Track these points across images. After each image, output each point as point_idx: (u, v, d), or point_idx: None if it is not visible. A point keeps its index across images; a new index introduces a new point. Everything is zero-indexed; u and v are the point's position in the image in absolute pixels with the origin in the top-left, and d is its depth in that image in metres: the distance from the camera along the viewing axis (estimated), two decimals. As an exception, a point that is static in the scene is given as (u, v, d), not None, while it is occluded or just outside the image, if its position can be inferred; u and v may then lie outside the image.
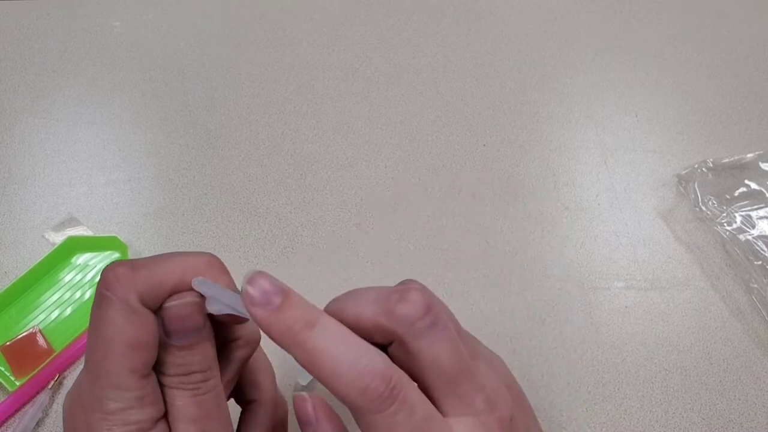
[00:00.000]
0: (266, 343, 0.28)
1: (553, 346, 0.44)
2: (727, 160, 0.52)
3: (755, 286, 0.46)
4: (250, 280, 0.23)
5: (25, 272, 0.44)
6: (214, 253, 0.27)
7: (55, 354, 0.41)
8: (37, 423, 0.40)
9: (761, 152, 0.52)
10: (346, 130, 0.55)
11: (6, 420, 0.39)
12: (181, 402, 0.25)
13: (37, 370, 0.40)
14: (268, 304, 0.23)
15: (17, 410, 0.40)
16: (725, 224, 0.48)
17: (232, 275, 0.27)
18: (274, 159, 0.53)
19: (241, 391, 0.30)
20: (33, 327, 0.43)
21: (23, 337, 0.42)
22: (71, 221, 0.48)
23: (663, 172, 0.53)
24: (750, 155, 0.52)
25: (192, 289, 0.25)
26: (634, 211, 0.51)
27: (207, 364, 0.26)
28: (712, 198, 0.50)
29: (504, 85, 0.58)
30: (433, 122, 0.55)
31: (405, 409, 0.22)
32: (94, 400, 0.23)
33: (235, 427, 0.29)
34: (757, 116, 0.57)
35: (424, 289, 0.26)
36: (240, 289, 0.23)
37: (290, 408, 0.41)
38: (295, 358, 0.23)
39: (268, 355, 0.32)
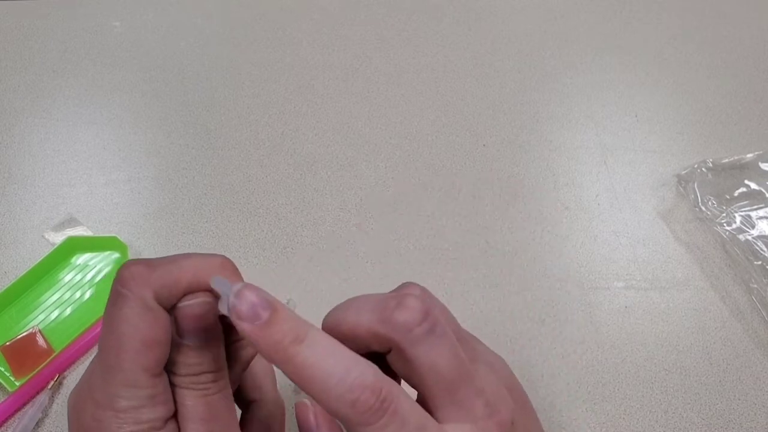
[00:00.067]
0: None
1: (553, 346, 0.44)
2: (726, 160, 0.52)
3: (755, 286, 0.46)
4: (238, 293, 0.23)
5: (25, 272, 0.44)
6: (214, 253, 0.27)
7: (54, 354, 0.41)
8: (37, 423, 0.40)
9: (761, 152, 0.52)
10: (346, 130, 0.55)
11: (6, 420, 0.39)
12: (191, 402, 0.25)
13: (36, 370, 0.40)
14: (256, 319, 0.22)
15: (17, 410, 0.40)
16: (725, 224, 0.48)
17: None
18: (274, 159, 0.53)
19: (242, 391, 0.30)
20: (33, 327, 0.43)
21: (23, 337, 0.42)
22: (71, 221, 0.48)
23: (663, 172, 0.53)
24: (750, 155, 0.52)
25: (205, 290, 0.25)
26: (633, 211, 0.51)
27: (217, 364, 0.26)
28: (712, 198, 0.50)
29: (504, 85, 0.58)
30: (433, 122, 0.55)
31: (396, 420, 0.22)
32: (106, 397, 0.23)
33: None
34: (757, 116, 0.57)
35: (423, 294, 0.25)
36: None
37: (290, 408, 0.41)
38: (285, 373, 0.23)
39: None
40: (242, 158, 0.52)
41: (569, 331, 0.44)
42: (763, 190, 0.51)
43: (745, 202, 0.50)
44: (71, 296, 0.44)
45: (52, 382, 0.40)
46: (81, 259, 0.46)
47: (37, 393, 0.40)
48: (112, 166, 0.52)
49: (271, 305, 0.23)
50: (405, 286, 0.26)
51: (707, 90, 0.58)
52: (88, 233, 0.47)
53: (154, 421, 0.24)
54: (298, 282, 0.46)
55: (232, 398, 0.27)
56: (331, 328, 0.26)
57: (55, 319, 0.43)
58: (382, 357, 0.25)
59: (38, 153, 0.52)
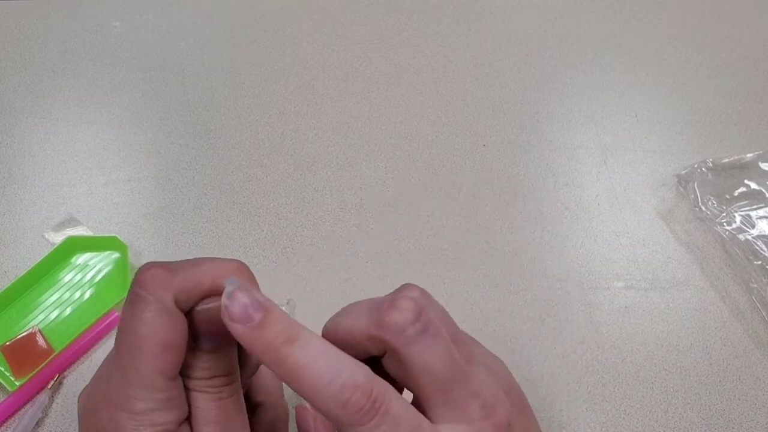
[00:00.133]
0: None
1: (553, 346, 0.44)
2: (726, 160, 0.52)
3: (755, 286, 0.46)
4: (230, 295, 0.23)
5: (25, 272, 0.44)
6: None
7: (54, 354, 0.41)
8: (37, 423, 0.40)
9: (761, 152, 0.52)
10: (346, 130, 0.55)
11: (6, 420, 0.39)
12: (205, 405, 0.25)
13: (36, 370, 0.40)
14: (248, 320, 0.22)
15: (17, 410, 0.40)
16: (725, 224, 0.48)
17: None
18: (274, 159, 0.52)
19: (249, 394, 0.30)
20: (33, 327, 0.43)
21: (23, 337, 0.42)
22: (71, 221, 0.48)
23: (663, 172, 0.53)
24: (750, 155, 0.52)
25: (221, 294, 0.25)
26: (633, 211, 0.51)
27: (231, 368, 0.26)
28: (712, 198, 0.50)
29: (504, 85, 0.58)
30: (433, 122, 0.55)
31: (387, 421, 0.22)
32: (122, 399, 0.23)
33: None
34: (757, 116, 0.57)
35: (420, 295, 0.25)
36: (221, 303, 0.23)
37: (290, 410, 0.41)
38: (277, 375, 0.23)
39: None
40: (242, 158, 0.52)
41: (569, 331, 0.44)
42: (763, 190, 0.51)
43: (745, 202, 0.50)
44: (71, 296, 0.44)
45: (52, 382, 0.41)
46: (81, 259, 0.46)
47: (37, 393, 0.40)
48: (112, 166, 0.52)
49: (263, 307, 0.23)
50: (404, 287, 0.26)
51: (707, 90, 0.58)
52: (88, 233, 0.47)
53: (168, 423, 0.24)
54: (298, 282, 0.46)
55: (244, 402, 0.27)
56: (329, 333, 0.26)
57: (55, 319, 0.43)
58: (378, 362, 0.25)
59: (38, 153, 0.52)
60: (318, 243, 0.48)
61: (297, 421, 0.26)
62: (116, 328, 0.43)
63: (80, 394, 0.25)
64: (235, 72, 0.58)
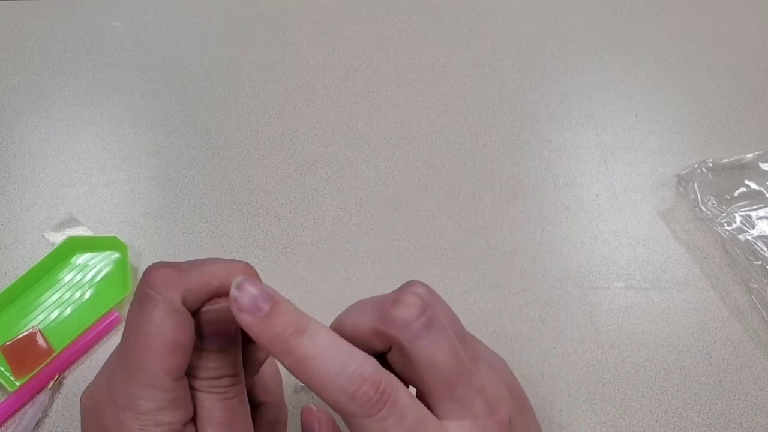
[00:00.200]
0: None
1: (553, 346, 0.44)
2: (726, 160, 0.52)
3: (755, 286, 0.46)
4: (238, 286, 0.23)
5: (25, 272, 0.44)
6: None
7: (54, 354, 0.41)
8: (37, 423, 0.40)
9: (761, 152, 0.52)
10: (346, 130, 0.55)
11: (6, 420, 0.39)
12: (210, 405, 0.25)
13: (36, 370, 0.40)
14: (257, 311, 0.23)
15: (17, 410, 0.40)
16: (725, 224, 0.48)
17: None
18: (274, 159, 0.53)
19: (251, 394, 0.30)
20: (33, 327, 0.43)
21: (23, 337, 0.42)
22: (71, 221, 0.48)
23: (663, 172, 0.53)
24: (750, 155, 0.52)
25: (228, 295, 0.25)
26: (633, 211, 0.51)
27: (236, 368, 0.26)
28: (712, 198, 0.50)
29: (504, 85, 0.58)
30: (433, 122, 0.55)
31: (395, 413, 0.22)
32: (127, 398, 0.23)
33: None
34: (757, 116, 0.57)
35: (426, 292, 0.25)
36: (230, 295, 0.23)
37: (290, 409, 0.41)
38: (285, 366, 0.23)
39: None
40: (242, 158, 0.52)
41: (569, 331, 0.44)
42: (763, 190, 0.51)
43: (745, 202, 0.50)
44: (71, 296, 0.44)
45: (52, 382, 0.41)
46: (81, 259, 0.46)
47: (37, 393, 0.40)
48: (112, 166, 0.52)
49: (272, 298, 0.23)
50: (409, 283, 0.26)
51: (707, 90, 0.58)
52: (88, 233, 0.47)
53: (173, 424, 0.24)
54: (298, 282, 0.46)
55: (248, 402, 0.27)
56: (335, 330, 0.26)
57: (55, 319, 0.43)
58: (383, 358, 0.25)
59: (38, 153, 0.52)
60: (318, 243, 0.48)
61: (302, 423, 0.26)
62: (116, 328, 0.43)
63: (82, 394, 0.25)
64: (235, 72, 0.58)
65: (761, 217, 0.49)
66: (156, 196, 0.50)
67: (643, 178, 0.52)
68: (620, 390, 0.42)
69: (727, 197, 0.50)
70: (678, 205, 0.51)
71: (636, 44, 0.62)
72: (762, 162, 0.52)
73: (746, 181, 0.51)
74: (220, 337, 0.25)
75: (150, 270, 0.25)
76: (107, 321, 0.43)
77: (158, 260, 0.25)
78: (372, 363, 0.23)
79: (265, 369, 0.31)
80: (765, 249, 0.47)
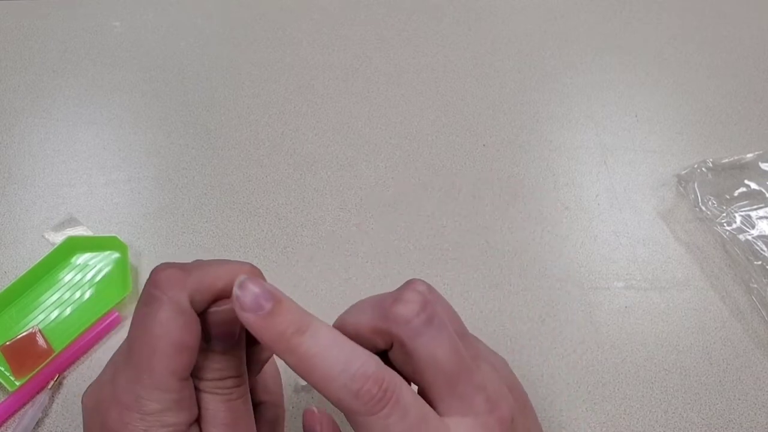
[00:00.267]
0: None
1: (553, 346, 0.44)
2: (726, 160, 0.52)
3: (755, 286, 0.46)
4: (241, 285, 0.23)
5: (25, 272, 0.44)
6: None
7: (54, 354, 0.41)
8: (37, 423, 0.40)
9: (761, 152, 0.52)
10: (346, 130, 0.55)
11: (6, 420, 0.39)
12: (215, 407, 0.25)
13: (36, 370, 0.40)
14: (259, 309, 0.23)
15: (17, 410, 0.40)
16: (725, 224, 0.48)
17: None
18: (274, 159, 0.53)
19: (252, 393, 0.31)
20: (33, 327, 0.43)
21: (23, 337, 0.42)
22: (71, 221, 0.48)
23: (663, 172, 0.53)
24: (750, 155, 0.52)
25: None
26: (633, 211, 0.51)
27: (240, 369, 0.26)
28: (712, 198, 0.50)
29: (504, 85, 0.58)
30: (433, 122, 0.55)
31: (398, 410, 0.22)
32: (133, 399, 0.23)
33: None
34: (757, 116, 0.57)
35: (426, 289, 0.26)
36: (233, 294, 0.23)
37: (290, 408, 0.41)
38: (287, 364, 0.23)
39: (269, 357, 0.32)
40: (242, 158, 0.52)
41: (569, 331, 0.44)
42: (763, 190, 0.51)
43: (745, 202, 0.50)
44: (71, 296, 0.44)
45: (52, 382, 0.41)
46: (81, 259, 0.46)
47: (37, 393, 0.40)
48: (112, 166, 0.52)
49: (274, 296, 0.23)
50: (410, 282, 0.26)
51: (707, 90, 0.58)
52: (88, 233, 0.47)
53: (178, 425, 0.24)
54: (298, 282, 0.46)
55: (251, 403, 0.27)
56: (337, 329, 0.26)
57: (55, 319, 0.43)
58: (385, 356, 0.25)
59: (38, 153, 0.52)
60: (318, 243, 0.48)
61: (304, 425, 0.27)
62: (116, 328, 0.43)
63: (84, 394, 0.25)
64: (235, 72, 0.58)
65: (761, 217, 0.49)
66: (156, 196, 0.50)
67: (643, 178, 0.52)
68: (620, 390, 0.42)
69: (727, 197, 0.50)
70: (678, 205, 0.51)
71: (636, 44, 0.62)
72: (762, 162, 0.52)
73: (746, 181, 0.51)
74: (225, 338, 0.25)
75: (156, 270, 0.25)
76: (107, 321, 0.43)
77: (158, 260, 0.25)
78: (375, 360, 0.23)
79: (266, 369, 0.31)
80: (765, 249, 0.47)
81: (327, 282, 0.46)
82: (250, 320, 0.23)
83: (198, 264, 0.26)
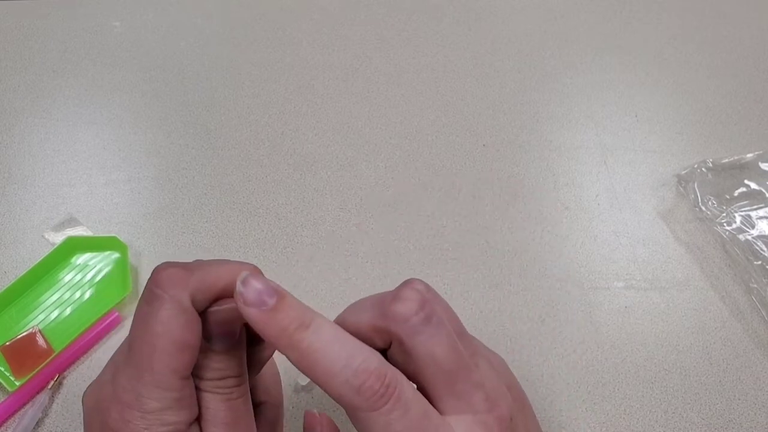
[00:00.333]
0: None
1: (553, 346, 0.44)
2: (726, 160, 0.52)
3: (755, 286, 0.46)
4: (244, 281, 0.23)
5: (25, 272, 0.44)
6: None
7: (54, 354, 0.41)
8: (37, 423, 0.40)
9: (761, 152, 0.52)
10: (346, 130, 0.55)
11: (6, 420, 0.39)
12: (215, 406, 0.25)
13: (36, 370, 0.40)
14: (262, 305, 0.23)
15: (17, 410, 0.40)
16: (725, 224, 0.48)
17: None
18: (274, 159, 0.53)
19: (252, 393, 0.31)
20: (33, 327, 0.43)
21: (23, 337, 0.42)
22: (71, 221, 0.48)
23: (663, 172, 0.53)
24: (750, 155, 0.52)
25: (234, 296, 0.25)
26: (633, 211, 0.51)
27: (241, 369, 0.26)
28: (712, 198, 0.50)
29: (504, 85, 0.58)
30: (433, 122, 0.55)
31: (400, 406, 0.23)
32: (134, 397, 0.23)
33: None
34: (757, 116, 0.57)
35: (425, 289, 0.26)
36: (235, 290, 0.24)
37: (289, 408, 0.41)
38: (290, 359, 0.23)
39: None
40: (242, 158, 0.52)
41: (569, 331, 0.44)
42: (763, 190, 0.51)
43: (745, 202, 0.50)
44: (71, 296, 0.44)
45: (52, 382, 0.41)
46: (81, 259, 0.46)
47: (37, 393, 0.40)
48: (112, 166, 0.52)
49: (277, 292, 0.23)
50: (409, 281, 0.26)
51: (707, 90, 0.58)
52: (88, 233, 0.47)
53: (178, 423, 0.24)
54: (298, 282, 0.46)
55: (251, 403, 0.27)
56: None
57: (55, 319, 0.43)
58: (384, 356, 0.26)
59: (38, 153, 0.52)
60: (318, 243, 0.48)
61: (304, 426, 0.27)
62: (116, 328, 0.43)
63: (84, 393, 0.25)
64: (235, 72, 0.58)
65: (761, 217, 0.49)
66: (156, 196, 0.50)
67: (643, 178, 0.52)
68: (620, 390, 0.42)
69: (727, 197, 0.50)
70: (678, 205, 0.51)
71: (636, 44, 0.62)
72: (762, 162, 0.52)
73: (746, 181, 0.51)
74: (226, 337, 0.25)
75: (158, 270, 0.25)
76: (107, 321, 0.43)
77: (158, 260, 0.25)
78: (376, 356, 0.23)
79: (266, 369, 0.31)
80: (765, 249, 0.47)
81: (327, 282, 0.46)
82: (253, 315, 0.23)
83: (199, 263, 0.26)
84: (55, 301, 0.44)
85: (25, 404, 0.40)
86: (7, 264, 0.46)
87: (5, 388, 0.40)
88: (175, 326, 0.24)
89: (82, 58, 0.59)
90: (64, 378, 0.41)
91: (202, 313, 0.25)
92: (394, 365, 0.25)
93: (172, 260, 0.26)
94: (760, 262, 0.46)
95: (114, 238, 0.46)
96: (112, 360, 0.26)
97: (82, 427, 0.25)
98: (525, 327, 0.45)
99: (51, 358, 0.41)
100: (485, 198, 0.51)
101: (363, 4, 0.64)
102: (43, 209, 0.49)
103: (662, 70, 0.60)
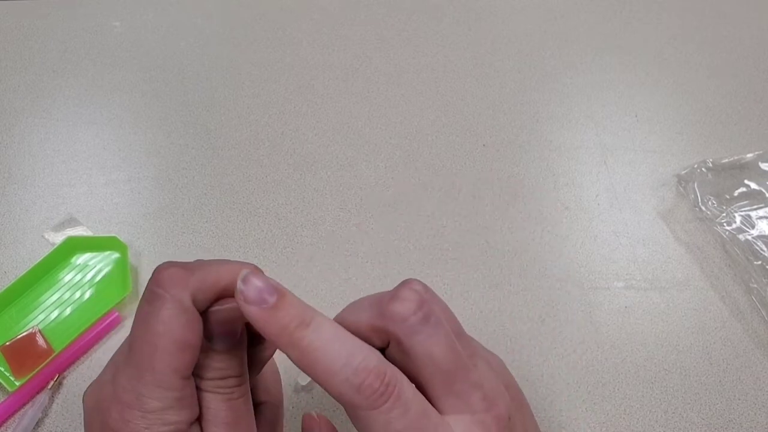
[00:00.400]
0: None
1: (553, 346, 0.44)
2: (726, 160, 0.52)
3: (755, 286, 0.46)
4: (244, 279, 0.23)
5: (25, 272, 0.44)
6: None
7: (54, 354, 0.41)
8: (37, 423, 0.40)
9: (761, 152, 0.52)
10: (346, 130, 0.55)
11: (6, 420, 0.39)
12: (216, 406, 0.25)
13: (36, 370, 0.40)
14: (263, 303, 0.23)
15: (17, 410, 0.40)
16: (725, 224, 0.48)
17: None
18: (274, 159, 0.53)
19: (252, 393, 0.31)
20: (33, 327, 0.43)
21: (23, 337, 0.42)
22: (71, 221, 0.48)
23: (663, 172, 0.53)
24: (750, 155, 0.52)
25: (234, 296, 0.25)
26: (634, 211, 0.51)
27: (241, 369, 0.26)
28: (712, 198, 0.50)
29: (504, 85, 0.58)
30: (433, 122, 0.55)
31: (400, 405, 0.23)
32: (135, 397, 0.23)
33: None
34: (757, 116, 0.57)
35: (423, 289, 0.26)
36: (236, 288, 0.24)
37: (289, 408, 0.41)
38: (290, 357, 0.23)
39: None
40: (242, 158, 0.52)
41: (569, 331, 0.44)
42: (763, 190, 0.51)
43: (745, 202, 0.50)
44: (71, 296, 0.44)
45: (52, 382, 0.41)
46: (81, 259, 0.46)
47: (37, 393, 0.40)
48: (112, 166, 0.52)
49: (278, 290, 0.23)
50: (407, 281, 0.26)
51: (707, 90, 0.58)
52: (88, 233, 0.47)
53: (179, 423, 0.24)
54: (298, 282, 0.46)
55: (252, 403, 0.27)
56: None
57: (55, 319, 0.43)
58: (381, 354, 0.26)
59: (38, 153, 0.52)
60: (318, 243, 0.48)
61: (303, 428, 0.27)
62: (116, 328, 0.43)
63: (85, 393, 0.25)
64: (235, 72, 0.58)
65: (761, 217, 0.49)
66: (156, 196, 0.50)
67: (643, 178, 0.52)
68: (620, 390, 0.42)
69: (727, 197, 0.50)
70: (678, 205, 0.51)
71: (636, 44, 0.62)
72: (762, 162, 0.52)
73: (746, 181, 0.51)
74: (227, 337, 0.25)
75: (159, 269, 0.25)
76: (107, 321, 0.43)
77: (158, 260, 0.25)
78: (376, 355, 0.23)
79: (266, 369, 0.31)
80: (765, 249, 0.47)
81: (327, 282, 0.46)
82: (254, 313, 0.23)
83: (200, 263, 0.26)
84: (55, 301, 0.44)
85: (25, 404, 0.40)
86: (7, 264, 0.46)
87: (5, 388, 0.40)
88: (176, 326, 0.24)
89: (82, 58, 0.59)
90: (64, 378, 0.41)
91: (203, 313, 0.25)
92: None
93: (172, 260, 0.26)
94: (760, 262, 0.46)
95: (114, 238, 0.46)
96: (113, 360, 0.26)
97: (83, 427, 0.25)
98: (525, 327, 0.45)
99: (51, 358, 0.41)
100: (485, 198, 0.51)
101: (363, 4, 0.64)
102: (43, 209, 0.49)
103: (662, 70, 0.60)
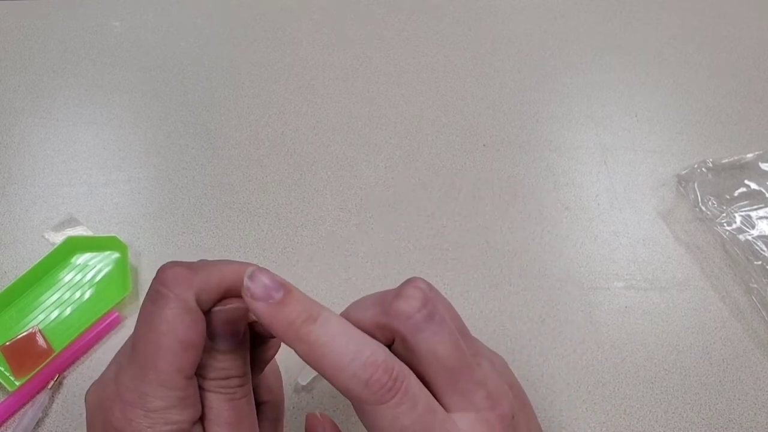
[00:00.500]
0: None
1: (553, 346, 0.44)
2: (726, 160, 0.52)
3: (755, 286, 0.46)
4: (251, 276, 0.23)
5: (24, 272, 0.44)
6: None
7: (54, 354, 0.41)
8: (37, 423, 0.40)
9: (761, 152, 0.52)
10: (346, 130, 0.55)
11: (6, 420, 0.39)
12: (218, 406, 0.25)
13: (36, 370, 0.40)
14: (269, 299, 0.23)
15: (17, 410, 0.40)
16: (725, 224, 0.48)
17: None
18: (274, 159, 0.53)
19: (254, 393, 0.31)
20: (33, 327, 0.43)
21: (23, 337, 0.42)
22: (71, 221, 0.48)
23: (663, 172, 0.53)
24: (750, 155, 0.52)
25: (239, 296, 0.25)
26: (634, 211, 0.51)
27: (244, 369, 0.26)
28: (712, 198, 0.50)
29: (504, 85, 0.58)
30: (433, 122, 0.55)
31: (408, 400, 0.23)
32: (138, 396, 0.23)
33: None
34: (757, 116, 0.57)
35: (427, 287, 0.26)
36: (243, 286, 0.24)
37: (290, 408, 0.41)
38: (297, 353, 0.23)
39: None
40: (242, 158, 0.52)
41: (569, 331, 0.44)
42: (763, 190, 0.51)
43: (745, 202, 0.50)
44: (71, 296, 0.44)
45: (52, 382, 0.41)
46: (81, 259, 0.46)
47: (37, 393, 0.40)
48: (112, 166, 0.52)
49: (284, 286, 0.24)
50: (411, 279, 0.26)
51: (707, 90, 0.58)
52: (88, 233, 0.47)
53: (182, 422, 0.24)
54: (298, 282, 0.46)
55: (254, 403, 0.27)
56: None
57: (55, 319, 0.43)
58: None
59: (38, 153, 0.52)
60: (318, 243, 0.48)
61: (306, 428, 0.27)
62: (116, 328, 0.43)
63: (87, 392, 0.25)
64: (235, 72, 0.58)
65: (761, 217, 0.49)
66: (156, 196, 0.50)
67: (643, 178, 0.52)
68: (620, 390, 0.42)
69: (727, 197, 0.50)
70: (678, 205, 0.51)
71: (636, 44, 0.62)
72: (762, 162, 0.52)
73: (746, 181, 0.51)
74: (230, 337, 0.26)
75: (163, 269, 0.25)
76: (107, 321, 0.43)
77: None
78: (384, 350, 0.23)
79: (268, 368, 0.31)
80: (765, 249, 0.47)
81: (327, 282, 0.46)
82: (261, 309, 0.23)
83: (204, 263, 0.26)
84: (55, 301, 0.44)
85: (25, 404, 0.40)
86: (7, 264, 0.46)
87: (5, 388, 0.40)
88: (180, 325, 0.24)
89: (82, 58, 0.59)
90: (64, 378, 0.41)
91: (207, 313, 0.25)
92: None
93: (173, 260, 0.26)
94: (760, 262, 0.46)
95: (114, 238, 0.46)
96: (115, 359, 0.26)
97: (84, 427, 0.25)
98: (525, 327, 0.45)
99: (51, 358, 0.41)
100: (485, 198, 0.51)
101: (363, 4, 0.64)
102: (43, 209, 0.49)
103: (662, 70, 0.60)
